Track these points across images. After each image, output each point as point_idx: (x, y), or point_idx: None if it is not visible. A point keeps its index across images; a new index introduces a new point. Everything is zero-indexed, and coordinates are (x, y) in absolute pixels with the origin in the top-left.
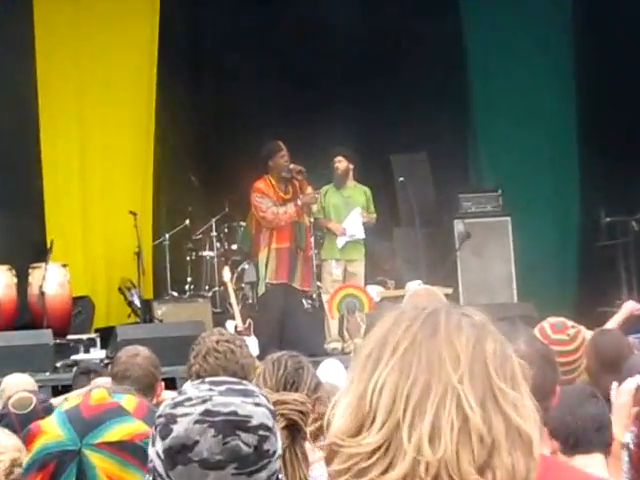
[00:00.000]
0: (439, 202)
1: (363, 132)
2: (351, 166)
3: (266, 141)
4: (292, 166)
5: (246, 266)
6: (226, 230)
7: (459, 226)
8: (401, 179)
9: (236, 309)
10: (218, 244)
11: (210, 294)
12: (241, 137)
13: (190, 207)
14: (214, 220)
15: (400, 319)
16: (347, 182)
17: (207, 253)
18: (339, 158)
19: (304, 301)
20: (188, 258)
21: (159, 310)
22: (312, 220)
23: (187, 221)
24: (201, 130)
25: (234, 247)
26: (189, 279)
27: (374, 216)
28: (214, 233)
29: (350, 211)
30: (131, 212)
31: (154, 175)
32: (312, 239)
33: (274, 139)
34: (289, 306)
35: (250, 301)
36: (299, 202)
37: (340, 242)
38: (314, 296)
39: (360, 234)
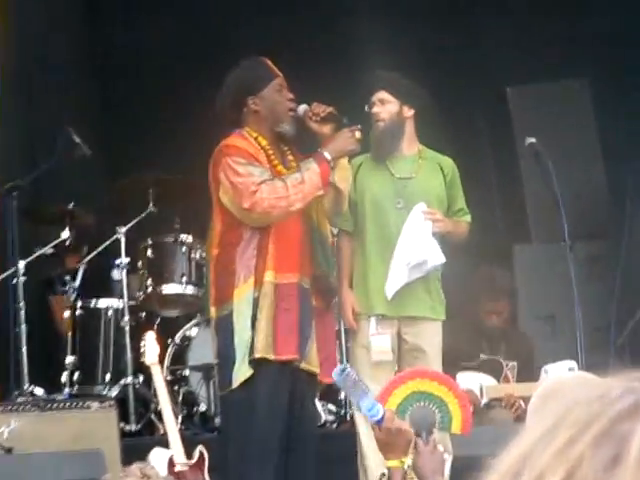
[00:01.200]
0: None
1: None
2: (409, 112)
3: (231, 62)
4: (305, 106)
5: (194, 331)
6: (150, 253)
7: None
8: (530, 140)
9: (171, 424)
10: (133, 284)
11: (116, 392)
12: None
13: (71, 204)
14: (122, 232)
15: (556, 427)
16: (402, 146)
17: (106, 302)
18: (380, 96)
19: (321, 406)
20: (67, 314)
21: (3, 429)
22: (336, 232)
23: (64, 234)
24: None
25: (168, 290)
26: (70, 359)
27: (466, 219)
28: (122, 260)
29: (409, 211)
30: None
31: None
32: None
33: (251, 55)
34: (297, 418)
35: (204, 407)
36: (327, 149)
37: (392, 285)
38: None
39: (435, 259)
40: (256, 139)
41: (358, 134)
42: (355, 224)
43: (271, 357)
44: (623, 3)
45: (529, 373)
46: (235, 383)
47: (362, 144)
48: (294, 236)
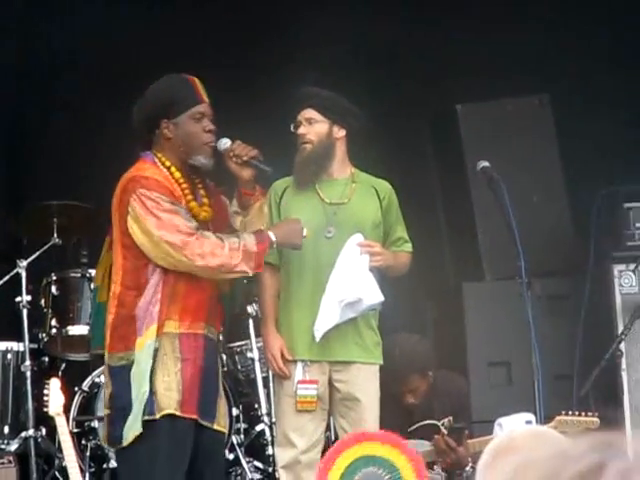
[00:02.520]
0: (577, 216)
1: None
2: (340, 132)
3: (145, 78)
4: (228, 142)
5: (103, 378)
6: (54, 290)
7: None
8: (483, 164)
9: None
10: (36, 326)
11: (16, 446)
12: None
13: None
14: (23, 265)
15: None
16: (332, 170)
17: (4, 345)
18: (308, 114)
19: (246, 463)
20: None
21: None
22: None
23: None
24: None
25: (75, 331)
26: None
27: (406, 249)
28: (23, 298)
29: (341, 240)
30: None
31: None
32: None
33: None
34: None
35: (114, 464)
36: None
37: (321, 325)
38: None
39: (371, 298)
40: (169, 169)
41: (305, 231)
42: (280, 256)
43: (177, 413)
44: (587, 11)
45: (467, 418)
46: (126, 441)
47: (287, 166)
48: (203, 284)
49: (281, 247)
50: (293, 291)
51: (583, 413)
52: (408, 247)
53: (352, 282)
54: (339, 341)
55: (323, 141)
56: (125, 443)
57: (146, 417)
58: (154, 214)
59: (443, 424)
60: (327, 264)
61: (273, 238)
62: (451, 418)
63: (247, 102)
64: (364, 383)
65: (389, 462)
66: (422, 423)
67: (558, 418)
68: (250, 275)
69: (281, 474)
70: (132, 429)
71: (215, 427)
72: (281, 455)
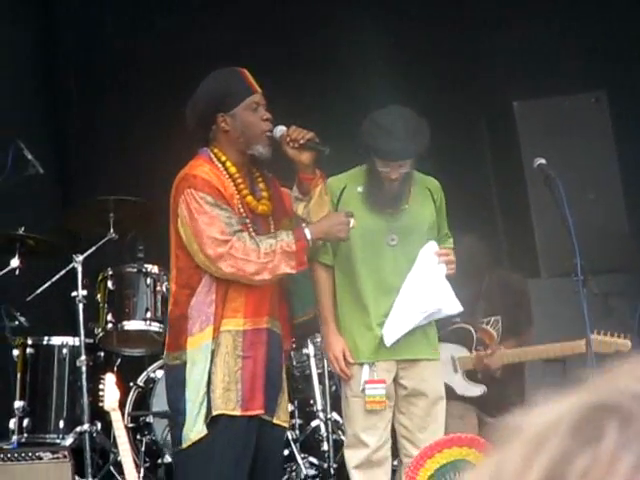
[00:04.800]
0: (632, 214)
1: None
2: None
3: (200, 76)
4: (284, 128)
5: (158, 374)
6: (110, 285)
7: None
8: (539, 161)
9: (133, 477)
10: (92, 320)
11: (71, 441)
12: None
13: (21, 229)
14: (79, 260)
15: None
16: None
17: (60, 340)
18: (402, 165)
19: (301, 459)
20: (16, 353)
21: None
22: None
23: (13, 262)
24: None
25: (130, 326)
26: (19, 404)
27: (450, 244)
28: (79, 292)
29: (410, 247)
30: None
31: None
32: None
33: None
34: (261, 476)
35: (169, 459)
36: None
37: (395, 331)
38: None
39: (450, 308)
40: (224, 164)
41: (352, 222)
42: (338, 258)
43: (236, 413)
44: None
45: (519, 324)
46: (185, 443)
47: (344, 161)
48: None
49: (324, 241)
50: (356, 295)
51: (616, 334)
52: (451, 242)
53: (432, 292)
54: (405, 340)
55: (406, 176)
56: (184, 445)
57: (203, 420)
58: (195, 218)
59: (489, 322)
60: (391, 270)
61: (309, 236)
62: (499, 318)
63: (295, 95)
64: (431, 379)
65: (472, 464)
66: (458, 325)
67: (591, 336)
68: (293, 273)
69: (353, 475)
70: (193, 430)
71: (275, 421)
72: (353, 456)
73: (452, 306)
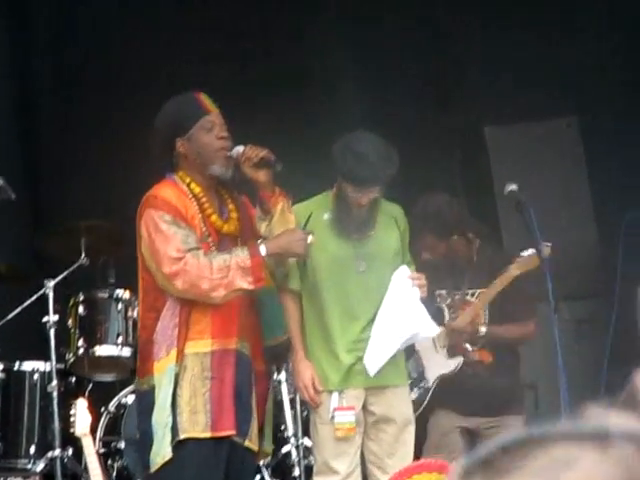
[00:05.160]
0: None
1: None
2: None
3: (164, 98)
4: (241, 148)
5: (130, 399)
6: (81, 310)
7: None
8: (511, 187)
9: None
10: (63, 346)
11: (42, 466)
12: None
13: None
14: (50, 286)
15: None
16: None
17: (31, 365)
18: (372, 192)
19: None
20: None
21: None
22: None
23: None
24: None
25: (102, 352)
26: None
27: (414, 270)
28: (50, 318)
29: (378, 273)
30: None
31: None
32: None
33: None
34: None
35: None
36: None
37: (377, 359)
38: None
39: (427, 331)
40: (189, 185)
41: (310, 239)
42: (305, 284)
43: (206, 435)
44: (615, 28)
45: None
46: (153, 467)
47: (315, 183)
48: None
49: (281, 257)
50: (324, 322)
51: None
52: (414, 269)
53: (409, 317)
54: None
55: (373, 200)
56: (152, 469)
57: (169, 443)
58: (152, 238)
59: (474, 294)
60: (359, 297)
61: (263, 252)
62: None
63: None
64: (399, 404)
65: None
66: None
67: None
68: (250, 289)
69: None
70: (159, 454)
71: (246, 444)
72: None
73: (429, 329)
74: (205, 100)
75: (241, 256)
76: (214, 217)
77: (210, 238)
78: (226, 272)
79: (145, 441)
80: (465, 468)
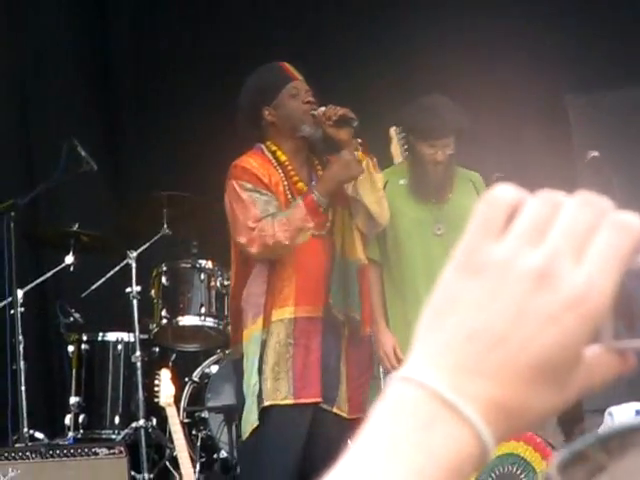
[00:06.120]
0: None
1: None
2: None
3: (248, 70)
4: (322, 109)
5: (213, 369)
6: (164, 281)
7: None
8: (592, 154)
9: (188, 472)
10: (146, 316)
11: (127, 436)
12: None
13: (75, 226)
14: (133, 256)
15: None
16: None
17: (115, 336)
18: (446, 141)
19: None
20: (71, 349)
21: None
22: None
23: (68, 259)
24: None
25: (185, 322)
26: (74, 400)
27: None
28: (133, 288)
29: (457, 235)
30: None
31: None
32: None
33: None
34: (322, 465)
35: (224, 454)
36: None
37: None
38: None
39: None
40: (274, 153)
41: (360, 156)
42: (384, 252)
43: (288, 401)
44: None
45: None
46: (244, 434)
47: (382, 158)
48: (316, 265)
49: (339, 185)
50: (405, 290)
51: None
52: None
53: None
54: None
55: (450, 160)
56: (244, 437)
57: (256, 410)
58: (233, 207)
59: None
60: (439, 261)
61: (315, 197)
62: None
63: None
64: None
65: (524, 460)
66: None
67: None
68: (310, 226)
69: None
70: (248, 422)
71: (335, 410)
72: None
73: None
74: (289, 68)
75: (295, 204)
76: (300, 184)
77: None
78: (287, 224)
79: (241, 409)
80: (564, 460)
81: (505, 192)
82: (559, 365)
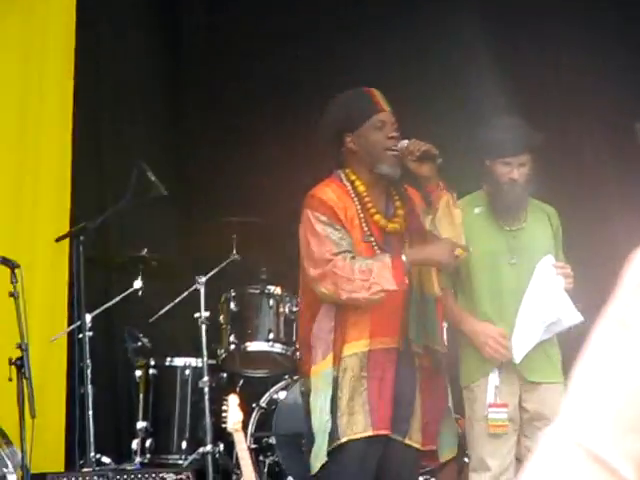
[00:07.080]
0: None
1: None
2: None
3: (326, 96)
4: (405, 143)
5: (281, 395)
6: (233, 306)
7: None
8: None
9: None
10: (214, 342)
11: (194, 462)
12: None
13: (144, 250)
14: (202, 281)
15: None
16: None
17: (183, 361)
18: (523, 158)
19: None
20: (139, 374)
21: None
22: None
23: (136, 284)
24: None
25: (253, 347)
26: (142, 425)
27: (568, 270)
28: (201, 314)
29: (530, 265)
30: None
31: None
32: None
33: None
34: None
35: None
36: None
37: (522, 346)
38: None
39: (570, 318)
40: (353, 183)
41: (459, 252)
42: (459, 280)
43: (366, 434)
44: None
45: None
46: (313, 469)
47: (460, 181)
48: (391, 296)
49: (423, 265)
50: (477, 315)
51: None
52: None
53: (551, 303)
54: (528, 363)
55: (526, 180)
56: (312, 471)
57: (331, 445)
58: (307, 238)
59: None
60: (510, 290)
61: (404, 259)
62: None
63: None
64: (553, 401)
65: None
66: None
67: None
68: (393, 289)
69: None
70: (318, 458)
71: (406, 441)
72: (476, 479)
73: (572, 316)
74: (378, 97)
75: (382, 259)
76: (377, 216)
77: (373, 237)
78: (368, 275)
79: (307, 443)
80: None
81: None
82: None
